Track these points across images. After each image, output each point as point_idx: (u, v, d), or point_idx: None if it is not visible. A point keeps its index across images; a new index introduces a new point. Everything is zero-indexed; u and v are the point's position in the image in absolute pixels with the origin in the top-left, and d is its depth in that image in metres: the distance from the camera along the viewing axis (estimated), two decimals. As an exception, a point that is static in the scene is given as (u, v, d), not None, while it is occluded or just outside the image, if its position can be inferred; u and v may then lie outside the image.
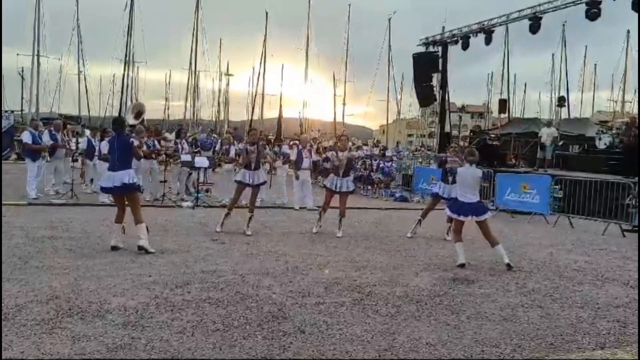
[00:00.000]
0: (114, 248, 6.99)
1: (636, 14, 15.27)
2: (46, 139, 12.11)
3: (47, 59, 43.31)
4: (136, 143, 7.38)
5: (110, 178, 7.11)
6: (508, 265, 7.07)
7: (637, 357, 4.17)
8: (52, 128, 12.79)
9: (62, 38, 46.73)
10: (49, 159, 12.04)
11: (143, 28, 47.21)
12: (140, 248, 6.89)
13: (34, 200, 11.09)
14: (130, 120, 14.13)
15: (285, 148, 15.26)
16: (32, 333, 3.94)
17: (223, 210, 9.38)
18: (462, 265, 7.09)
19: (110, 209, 10.99)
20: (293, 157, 13.75)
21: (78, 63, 45.69)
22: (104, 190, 7.69)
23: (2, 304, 4.46)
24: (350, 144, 10.77)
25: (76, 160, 14.03)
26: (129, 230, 7.21)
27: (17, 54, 43.82)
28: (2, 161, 16.28)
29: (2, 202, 9.56)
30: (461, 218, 7.33)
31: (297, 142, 15.83)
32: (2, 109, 26.78)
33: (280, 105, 30.67)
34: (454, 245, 7.50)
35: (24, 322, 4.15)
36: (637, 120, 16.52)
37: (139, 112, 13.49)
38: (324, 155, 17.11)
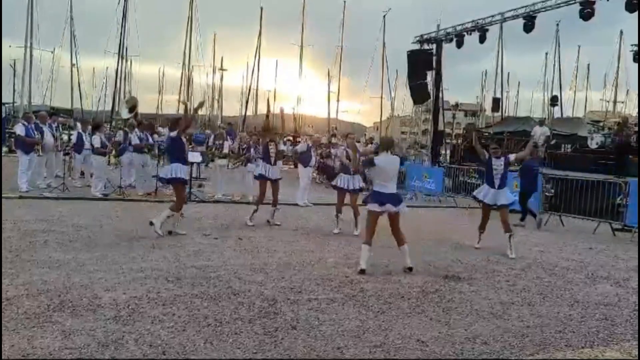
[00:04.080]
0: (170, 233, 7.86)
1: (630, 15, 15.36)
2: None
3: (40, 51, 42.98)
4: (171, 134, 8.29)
5: (166, 170, 8.27)
6: (409, 268, 6.53)
7: (630, 357, 4.20)
8: (37, 120, 12.65)
9: (55, 30, 46.46)
10: (41, 153, 11.97)
11: (137, 21, 46.72)
12: (150, 223, 7.71)
13: (25, 194, 11.02)
14: (124, 114, 14.06)
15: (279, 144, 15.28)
16: (23, 327, 3.92)
17: (216, 205, 9.39)
18: (362, 272, 6.29)
19: (103, 203, 10.97)
20: (301, 149, 13.74)
21: (71, 56, 45.37)
22: (161, 180, 8.72)
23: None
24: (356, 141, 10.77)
25: (68, 154, 13.95)
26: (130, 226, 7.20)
27: (10, 46, 43.42)
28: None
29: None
30: (381, 208, 6.55)
31: (307, 137, 15.91)
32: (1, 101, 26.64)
33: (268, 100, 30.60)
34: (361, 245, 6.66)
35: (15, 315, 4.13)
36: (638, 120, 16.64)
37: (132, 106, 13.41)
38: (327, 150, 17.20)
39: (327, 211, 9.77)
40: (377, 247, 8.16)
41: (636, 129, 19.87)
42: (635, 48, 21.53)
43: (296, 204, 12.84)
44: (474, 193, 9.25)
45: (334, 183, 9.76)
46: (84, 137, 13.29)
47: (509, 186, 8.76)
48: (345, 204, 9.48)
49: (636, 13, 15.12)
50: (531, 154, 11.58)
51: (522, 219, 12.38)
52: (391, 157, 6.82)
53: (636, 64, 20.71)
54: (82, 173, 14.01)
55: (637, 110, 40.31)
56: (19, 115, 26.96)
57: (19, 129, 11.82)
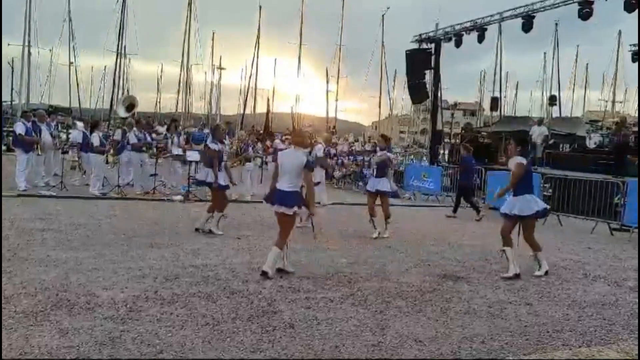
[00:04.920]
0: (197, 230, 8.20)
1: (628, 14, 15.38)
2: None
3: (38, 49, 42.92)
4: (217, 148, 8.53)
5: (202, 173, 8.82)
6: (281, 269, 5.98)
7: (627, 356, 4.21)
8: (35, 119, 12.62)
9: (54, 28, 46.38)
10: (40, 152, 11.95)
11: (135, 20, 46.76)
12: (210, 231, 8.16)
13: (23, 192, 11.01)
14: (122, 112, 13.99)
15: (277, 143, 15.26)
16: (20, 325, 3.92)
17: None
18: (264, 274, 5.77)
19: (102, 202, 10.97)
20: (321, 153, 13.68)
21: (69, 54, 45.32)
22: (198, 183, 9.36)
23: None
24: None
25: (66, 152, 13.93)
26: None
27: (8, 44, 43.32)
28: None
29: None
30: (275, 208, 5.97)
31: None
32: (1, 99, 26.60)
33: (268, 100, 30.78)
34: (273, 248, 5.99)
35: (12, 314, 4.13)
36: (638, 120, 16.67)
37: (130, 105, 13.37)
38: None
39: (326, 210, 9.76)
40: (374, 246, 8.19)
41: (634, 128, 19.88)
42: (634, 48, 21.54)
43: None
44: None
45: (368, 188, 9.68)
46: (88, 136, 13.26)
47: (502, 185, 7.32)
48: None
49: (634, 13, 15.14)
50: (467, 150, 13.95)
51: (454, 211, 13.28)
52: (295, 152, 6.07)
53: (634, 64, 20.73)
54: (84, 172, 14.00)
55: (635, 109, 40.44)
56: (17, 114, 26.92)
57: (19, 128, 11.79)
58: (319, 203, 12.89)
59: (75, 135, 13.95)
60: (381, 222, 9.23)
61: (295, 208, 5.91)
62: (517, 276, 6.53)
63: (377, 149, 9.80)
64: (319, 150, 13.59)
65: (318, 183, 10.54)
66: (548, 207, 6.96)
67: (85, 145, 13.06)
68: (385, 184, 9.36)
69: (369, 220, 9.28)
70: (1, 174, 11.32)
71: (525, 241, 6.96)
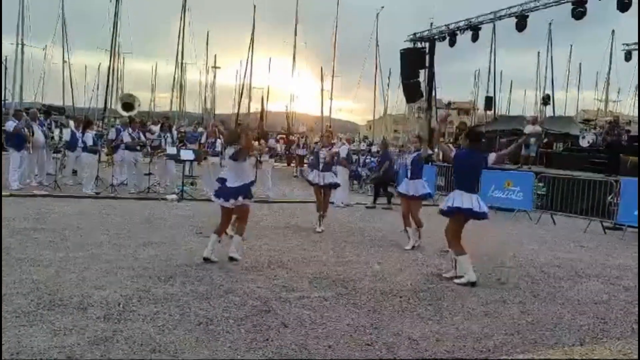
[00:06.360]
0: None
1: (622, 14, 15.46)
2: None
3: (31, 47, 42.75)
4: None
5: None
6: (231, 257, 6.40)
7: (621, 355, 4.22)
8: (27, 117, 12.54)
9: (47, 27, 46.24)
10: (31, 150, 11.88)
11: (130, 18, 46.57)
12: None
13: (16, 191, 10.95)
14: (120, 110, 13.89)
15: (272, 142, 15.28)
16: (12, 325, 3.89)
17: (208, 204, 9.33)
18: (206, 260, 6.27)
19: (95, 201, 10.92)
20: (344, 154, 13.63)
21: (63, 52, 45.12)
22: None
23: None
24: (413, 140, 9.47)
25: (59, 152, 13.86)
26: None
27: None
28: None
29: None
30: (229, 204, 6.43)
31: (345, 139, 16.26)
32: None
33: (263, 99, 30.79)
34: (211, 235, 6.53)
35: (4, 314, 4.09)
36: (638, 119, 16.74)
37: (126, 104, 13.29)
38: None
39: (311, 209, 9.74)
40: (368, 245, 8.19)
41: (627, 127, 20.00)
42: (627, 47, 21.65)
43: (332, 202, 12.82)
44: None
45: (399, 190, 8.84)
46: (77, 135, 13.20)
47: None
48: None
49: (628, 12, 15.22)
50: (386, 147, 15.83)
51: (374, 202, 14.10)
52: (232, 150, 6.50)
53: (628, 63, 20.85)
54: (75, 171, 13.93)
55: (629, 107, 40.62)
56: (9, 113, 26.75)
57: (9, 126, 11.73)
58: (341, 203, 13.02)
59: (66, 134, 13.87)
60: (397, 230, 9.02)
61: (247, 200, 6.57)
62: (472, 284, 6.01)
63: (409, 150, 8.87)
64: (343, 151, 13.45)
65: (337, 185, 9.92)
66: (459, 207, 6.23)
67: (73, 145, 13.00)
68: (425, 187, 8.60)
69: (402, 231, 8.56)
70: (1, 174, 11.23)
71: (445, 235, 6.38)
